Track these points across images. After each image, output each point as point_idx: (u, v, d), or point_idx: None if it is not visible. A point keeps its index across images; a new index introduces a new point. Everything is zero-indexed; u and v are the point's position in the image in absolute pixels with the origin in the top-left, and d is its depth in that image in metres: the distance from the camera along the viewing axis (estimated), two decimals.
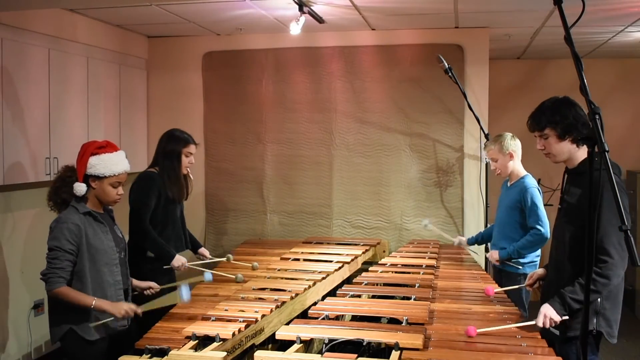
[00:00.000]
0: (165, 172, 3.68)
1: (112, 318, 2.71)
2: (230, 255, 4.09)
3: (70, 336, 2.74)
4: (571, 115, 2.54)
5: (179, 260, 3.63)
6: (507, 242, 3.74)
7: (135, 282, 3.18)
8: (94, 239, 2.75)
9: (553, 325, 2.48)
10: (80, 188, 2.77)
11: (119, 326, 2.82)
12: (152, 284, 3.21)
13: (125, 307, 2.71)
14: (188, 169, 3.79)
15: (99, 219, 2.81)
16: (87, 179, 2.78)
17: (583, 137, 1.85)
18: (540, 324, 2.49)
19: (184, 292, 2.76)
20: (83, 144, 2.86)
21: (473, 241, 4.28)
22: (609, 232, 2.36)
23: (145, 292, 3.20)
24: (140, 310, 2.78)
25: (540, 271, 2.92)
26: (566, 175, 2.69)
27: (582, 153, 2.55)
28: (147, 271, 3.46)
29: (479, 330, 2.49)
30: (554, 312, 2.46)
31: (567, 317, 2.48)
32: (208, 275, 3.15)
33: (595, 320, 2.51)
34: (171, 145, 3.71)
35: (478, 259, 4.54)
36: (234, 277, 3.62)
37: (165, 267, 3.60)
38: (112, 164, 2.79)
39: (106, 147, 2.82)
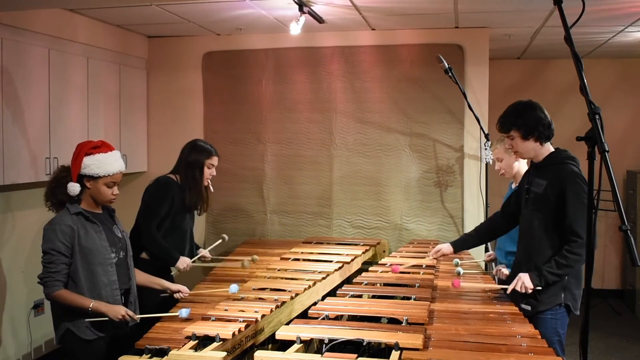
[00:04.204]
0: (187, 182, 3.64)
1: (108, 318, 2.71)
2: (224, 236, 4.14)
3: (68, 336, 2.74)
4: (532, 117, 2.85)
5: (184, 262, 3.61)
6: (514, 245, 3.56)
7: (167, 283, 3.17)
8: (85, 239, 2.74)
9: (524, 291, 2.79)
10: (73, 188, 2.75)
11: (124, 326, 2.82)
12: (183, 287, 3.19)
13: (123, 312, 2.71)
14: (209, 181, 3.73)
15: (91, 219, 2.79)
16: (81, 179, 2.77)
17: (584, 137, 1.88)
18: (512, 287, 2.83)
19: (184, 311, 2.81)
20: (78, 143, 2.85)
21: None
22: (577, 217, 2.69)
23: (175, 295, 3.18)
24: (137, 317, 2.80)
25: (446, 248, 3.30)
26: (532, 170, 2.99)
27: (545, 149, 2.89)
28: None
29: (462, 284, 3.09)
30: (529, 280, 2.78)
31: (539, 288, 2.79)
32: (234, 287, 3.12)
33: (562, 295, 2.81)
34: (194, 156, 3.65)
35: (478, 257, 4.53)
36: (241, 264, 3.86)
37: (172, 273, 3.63)
38: (107, 164, 2.77)
39: (101, 147, 2.79)
